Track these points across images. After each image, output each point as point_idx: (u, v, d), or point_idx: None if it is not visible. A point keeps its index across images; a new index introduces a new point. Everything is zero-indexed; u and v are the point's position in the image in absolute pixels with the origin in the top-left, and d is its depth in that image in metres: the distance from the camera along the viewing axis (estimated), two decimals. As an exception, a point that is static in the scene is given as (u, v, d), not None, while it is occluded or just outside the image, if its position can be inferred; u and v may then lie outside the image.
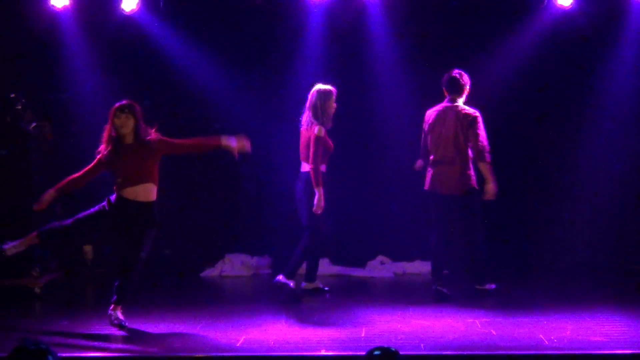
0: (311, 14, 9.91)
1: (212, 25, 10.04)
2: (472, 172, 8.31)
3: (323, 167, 8.45)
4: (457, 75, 8.32)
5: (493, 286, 8.46)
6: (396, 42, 10.02)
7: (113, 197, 7.18)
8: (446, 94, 8.40)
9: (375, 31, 10.03)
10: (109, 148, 7.16)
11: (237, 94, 10.18)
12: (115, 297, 7.14)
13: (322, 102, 8.38)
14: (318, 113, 8.38)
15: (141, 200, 7.12)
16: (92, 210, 7.24)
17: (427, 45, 10.09)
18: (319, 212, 8.33)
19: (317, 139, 8.31)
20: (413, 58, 10.00)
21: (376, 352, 4.15)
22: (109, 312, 7.13)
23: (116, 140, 7.14)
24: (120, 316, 7.11)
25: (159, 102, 9.85)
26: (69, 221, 7.25)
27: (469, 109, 8.29)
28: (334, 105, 8.44)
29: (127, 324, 7.10)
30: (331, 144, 8.45)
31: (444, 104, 8.39)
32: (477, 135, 8.20)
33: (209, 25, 10.05)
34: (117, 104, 7.16)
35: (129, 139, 7.14)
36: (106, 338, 6.91)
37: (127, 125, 7.10)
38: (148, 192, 7.16)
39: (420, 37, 10.05)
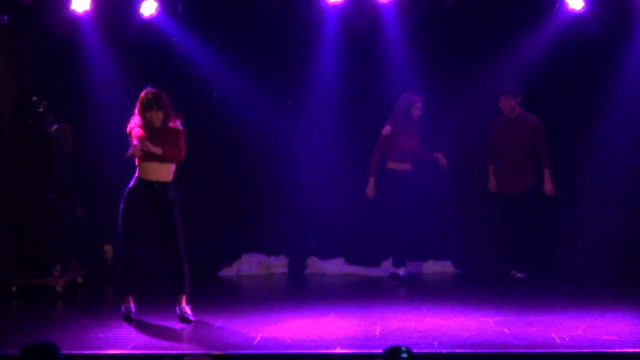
0: (326, 16, 9.90)
1: (229, 28, 10.05)
2: None
3: (406, 165, 9.44)
4: None
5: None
6: (410, 44, 10.00)
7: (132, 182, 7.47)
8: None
9: (389, 33, 10.01)
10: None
11: (254, 95, 10.19)
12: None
13: (405, 106, 9.28)
14: (398, 115, 9.31)
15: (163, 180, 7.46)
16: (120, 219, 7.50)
17: (439, 48, 10.07)
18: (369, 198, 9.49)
19: (380, 137, 9.35)
20: (426, 60, 9.98)
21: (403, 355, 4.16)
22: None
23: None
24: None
25: (176, 102, 9.86)
26: (125, 252, 7.54)
27: None
28: (417, 112, 9.32)
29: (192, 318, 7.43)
30: (406, 143, 9.32)
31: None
32: None
33: (226, 28, 10.06)
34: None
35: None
36: (125, 336, 6.94)
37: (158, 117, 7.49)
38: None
39: (432, 40, 10.03)
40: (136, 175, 7.46)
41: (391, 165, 9.44)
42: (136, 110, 7.52)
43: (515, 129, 9.30)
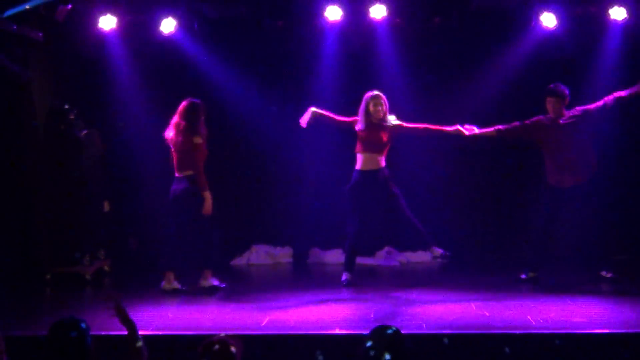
0: (326, 33, 9.91)
1: (239, 43, 10.05)
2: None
3: (374, 165, 8.38)
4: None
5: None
6: (400, 57, 10.00)
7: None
8: None
9: (382, 48, 10.01)
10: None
11: (261, 103, 10.21)
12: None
13: (364, 105, 8.37)
14: (361, 113, 8.38)
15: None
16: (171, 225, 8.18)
17: (426, 62, 10.08)
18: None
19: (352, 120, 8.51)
20: (414, 71, 9.99)
21: (389, 331, 4.15)
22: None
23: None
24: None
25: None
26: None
27: None
28: (378, 108, 8.30)
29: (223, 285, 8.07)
30: (373, 138, 8.30)
31: None
32: None
33: (236, 45, 10.06)
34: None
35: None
36: (146, 318, 6.95)
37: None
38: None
39: (421, 54, 10.04)
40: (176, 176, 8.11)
41: (359, 164, 8.39)
42: (190, 117, 8.08)
43: (566, 128, 8.30)
